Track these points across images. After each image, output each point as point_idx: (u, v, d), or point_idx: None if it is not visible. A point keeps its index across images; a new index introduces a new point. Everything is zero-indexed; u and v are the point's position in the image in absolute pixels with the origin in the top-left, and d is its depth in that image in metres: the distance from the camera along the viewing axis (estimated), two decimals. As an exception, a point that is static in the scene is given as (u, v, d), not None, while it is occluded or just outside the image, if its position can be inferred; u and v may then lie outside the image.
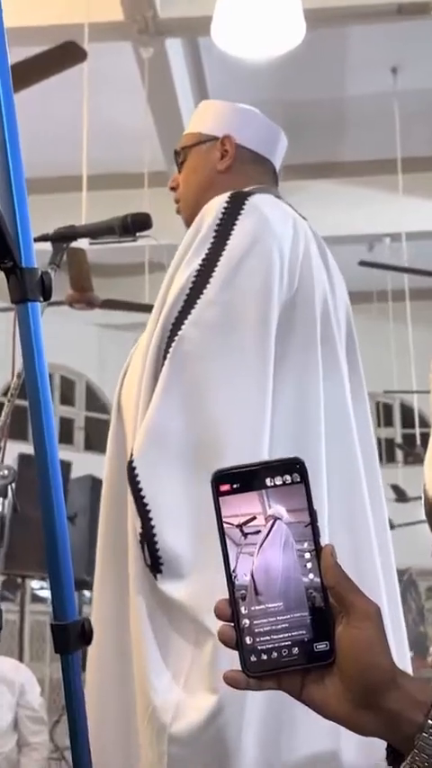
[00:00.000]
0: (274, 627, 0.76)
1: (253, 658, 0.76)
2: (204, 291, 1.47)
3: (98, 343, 11.51)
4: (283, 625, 0.76)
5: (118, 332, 10.50)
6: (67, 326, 9.38)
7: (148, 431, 1.38)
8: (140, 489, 1.36)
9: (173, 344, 1.43)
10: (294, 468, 0.77)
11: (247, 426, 1.39)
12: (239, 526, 0.75)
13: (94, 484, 6.98)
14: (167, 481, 1.36)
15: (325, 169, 8.81)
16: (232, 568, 0.76)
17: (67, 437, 11.49)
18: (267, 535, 0.76)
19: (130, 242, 1.79)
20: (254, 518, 0.76)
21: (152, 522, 1.35)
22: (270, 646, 0.76)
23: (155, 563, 1.35)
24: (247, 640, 0.76)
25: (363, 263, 7.15)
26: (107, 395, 11.81)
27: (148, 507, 1.35)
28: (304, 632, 0.76)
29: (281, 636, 0.76)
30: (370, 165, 8.70)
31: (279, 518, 0.76)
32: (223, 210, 1.55)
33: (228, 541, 0.76)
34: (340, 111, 8.16)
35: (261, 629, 0.76)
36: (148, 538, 1.35)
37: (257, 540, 0.76)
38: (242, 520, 0.75)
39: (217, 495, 0.76)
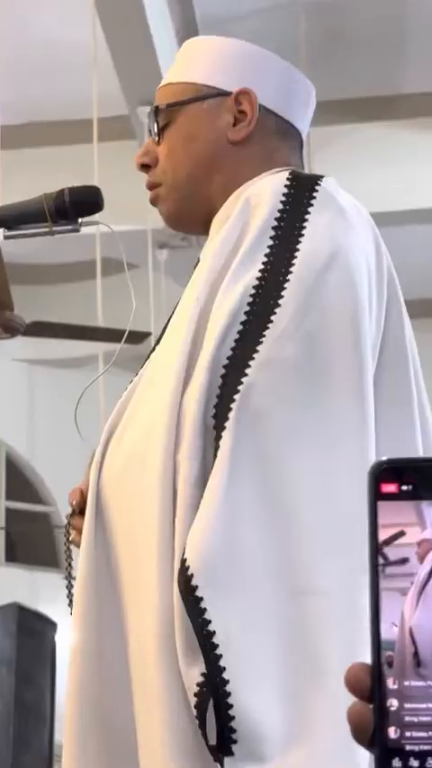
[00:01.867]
0: None
1: (397, 764, 0.74)
2: (273, 318, 1.52)
3: (27, 389, 11.66)
4: None
5: (59, 372, 10.63)
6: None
7: (211, 538, 1.43)
8: (208, 622, 1.39)
9: (236, 398, 1.48)
10: None
11: (350, 531, 1.43)
12: (381, 545, 0.78)
13: (24, 618, 7.01)
14: (245, 614, 1.41)
15: (375, 107, 8.61)
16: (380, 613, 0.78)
17: (-24, 542, 11.73)
18: None
19: (68, 232, 1.82)
20: (401, 534, 0.77)
21: (225, 674, 1.38)
22: (427, 747, 0.74)
23: (224, 737, 1.38)
24: (392, 733, 0.75)
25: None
26: (44, 474, 11.71)
27: (218, 651, 1.38)
28: None
29: None
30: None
31: None
32: (284, 197, 1.61)
33: (379, 569, 0.78)
34: (398, 21, 7.90)
35: (416, 719, 0.75)
36: (216, 696, 1.38)
37: (411, 569, 0.77)
38: (385, 536, 0.78)
39: (375, 496, 0.78)
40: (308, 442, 1.48)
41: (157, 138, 1.82)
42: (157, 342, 1.73)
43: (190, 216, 1.81)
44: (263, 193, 1.64)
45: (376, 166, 8.14)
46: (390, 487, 0.77)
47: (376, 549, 0.76)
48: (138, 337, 5.82)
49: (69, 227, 1.80)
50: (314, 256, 1.57)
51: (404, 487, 0.77)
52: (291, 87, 1.84)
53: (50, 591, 9.46)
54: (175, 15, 7.40)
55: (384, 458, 0.78)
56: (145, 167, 1.83)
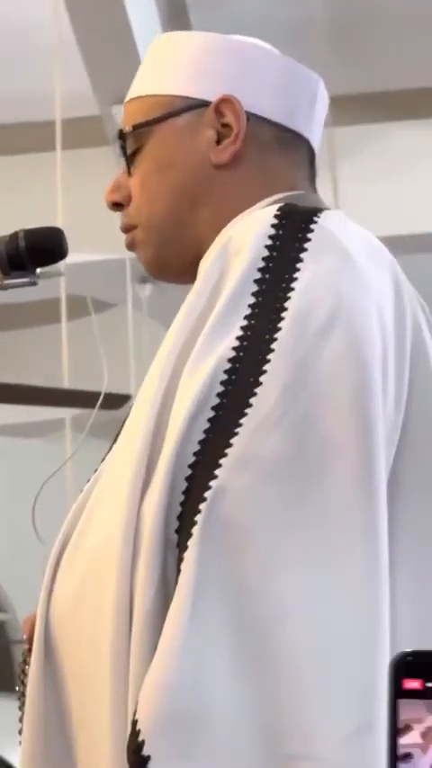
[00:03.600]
0: None
1: None
2: (253, 401, 1.52)
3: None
4: None
5: (15, 442, 10.78)
6: None
7: (168, 694, 1.42)
8: None
9: (201, 507, 1.47)
10: None
11: (353, 678, 1.45)
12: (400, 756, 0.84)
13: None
14: None
15: (413, 102, 8.47)
16: None
17: None
18: None
19: (24, 285, 1.84)
20: (409, 728, 0.83)
21: None
22: None
23: None
24: None
25: None
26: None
27: None
28: None
29: None
30: None
31: None
32: (270, 240, 1.61)
33: None
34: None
35: None
36: None
37: None
38: (406, 741, 0.83)
39: (396, 694, 0.82)
40: (296, 564, 1.46)
41: (128, 168, 1.84)
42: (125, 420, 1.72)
43: (174, 262, 1.81)
44: (244, 236, 1.63)
45: (414, 175, 8.15)
46: (413, 683, 0.81)
47: (395, 756, 0.81)
48: (115, 401, 5.71)
49: (25, 280, 1.82)
50: (308, 316, 1.55)
51: (430, 684, 0.82)
52: (289, 85, 1.83)
53: (7, 721, 9.38)
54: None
55: (408, 649, 0.81)
56: (117, 206, 1.85)
